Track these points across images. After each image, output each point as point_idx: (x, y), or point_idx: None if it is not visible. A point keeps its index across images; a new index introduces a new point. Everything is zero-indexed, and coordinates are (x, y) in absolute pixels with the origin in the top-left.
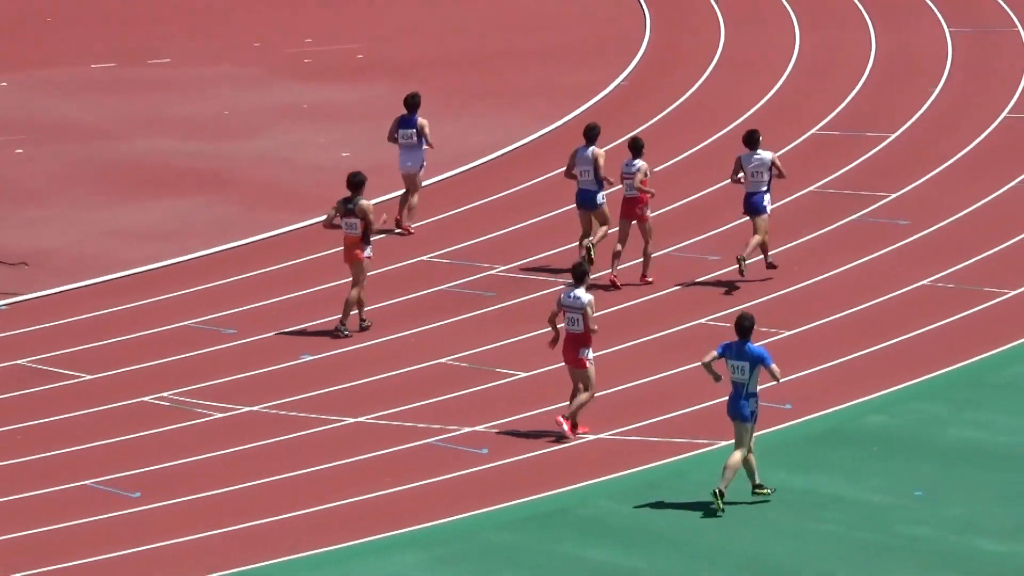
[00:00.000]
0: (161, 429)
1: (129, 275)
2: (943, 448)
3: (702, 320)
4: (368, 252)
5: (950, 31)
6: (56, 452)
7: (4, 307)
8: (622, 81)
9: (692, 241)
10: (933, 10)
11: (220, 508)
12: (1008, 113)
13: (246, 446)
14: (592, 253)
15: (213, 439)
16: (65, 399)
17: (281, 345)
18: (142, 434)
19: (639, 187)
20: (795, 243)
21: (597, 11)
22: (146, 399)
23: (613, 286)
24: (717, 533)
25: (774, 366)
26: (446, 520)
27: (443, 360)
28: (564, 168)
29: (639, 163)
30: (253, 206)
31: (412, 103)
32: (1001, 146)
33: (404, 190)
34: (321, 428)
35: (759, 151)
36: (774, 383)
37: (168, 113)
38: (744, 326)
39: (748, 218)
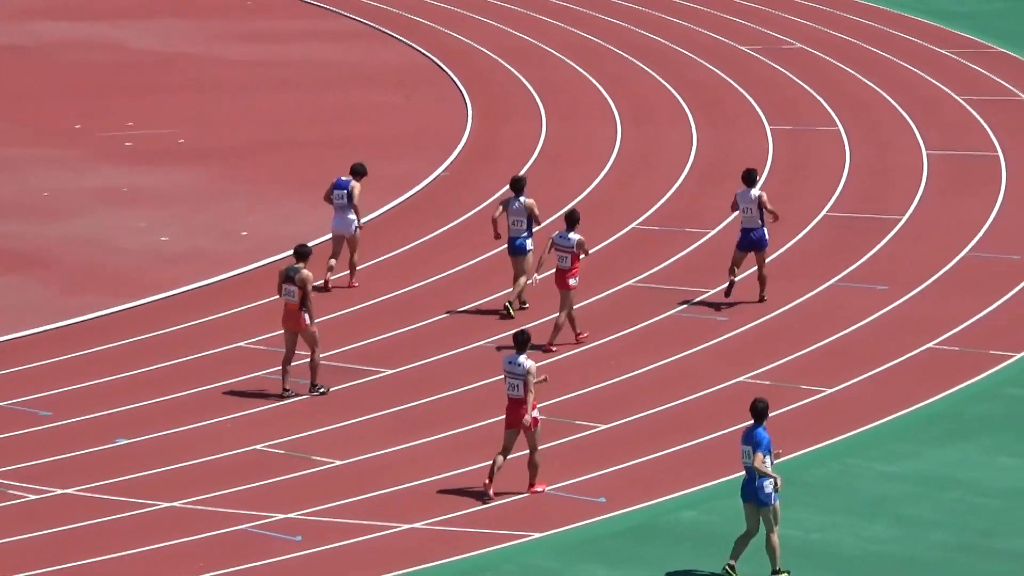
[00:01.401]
0: None
1: None
2: (754, 545)
3: None
4: (308, 320)
5: (771, 128)
6: None
7: None
8: (443, 172)
9: (511, 333)
10: (754, 107)
11: None
12: (827, 211)
13: (59, 528)
14: (512, 308)
15: (26, 521)
16: None
17: (96, 428)
18: None
19: (582, 252)
20: (612, 337)
21: (419, 102)
22: None
23: (547, 351)
24: None
25: (761, 456)
26: None
27: (258, 447)
28: (494, 214)
29: (574, 236)
30: (70, 289)
31: (355, 170)
32: (820, 244)
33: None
34: (135, 512)
35: (754, 189)
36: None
37: None
38: (756, 409)
39: (743, 253)
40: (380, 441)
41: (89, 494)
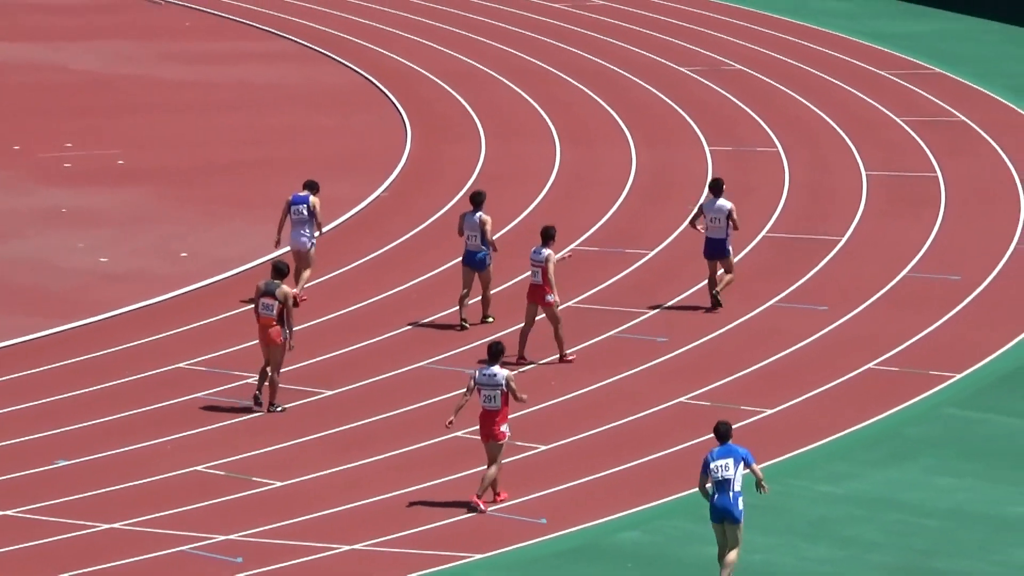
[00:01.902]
0: None
1: None
2: (697, 565)
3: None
4: (285, 334)
5: (710, 149)
6: None
7: None
8: (382, 192)
9: (452, 353)
10: (694, 128)
11: None
12: (767, 232)
13: None
14: (489, 317)
15: None
16: None
17: (36, 449)
18: None
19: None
20: (552, 358)
21: (357, 122)
22: None
23: (520, 363)
24: None
25: (755, 466)
26: None
27: (198, 468)
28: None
29: (546, 251)
30: (8, 310)
31: (309, 184)
32: (760, 264)
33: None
34: (75, 534)
35: (720, 199)
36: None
37: None
38: (721, 431)
39: (708, 262)
40: (320, 462)
41: (28, 516)
